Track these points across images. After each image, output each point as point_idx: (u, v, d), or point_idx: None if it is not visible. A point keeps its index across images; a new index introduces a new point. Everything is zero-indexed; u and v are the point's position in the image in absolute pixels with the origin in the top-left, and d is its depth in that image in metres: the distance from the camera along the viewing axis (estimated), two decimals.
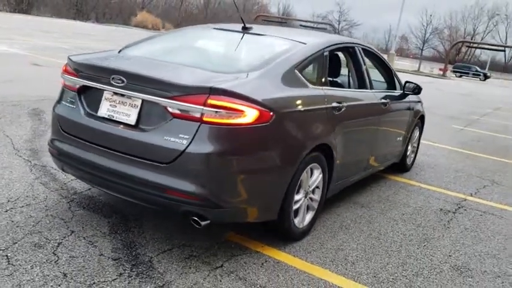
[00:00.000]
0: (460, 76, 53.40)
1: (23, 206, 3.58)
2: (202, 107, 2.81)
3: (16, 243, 3.03)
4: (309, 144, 3.38)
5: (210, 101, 2.80)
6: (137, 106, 3.03)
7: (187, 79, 2.92)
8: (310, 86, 3.54)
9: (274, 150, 3.10)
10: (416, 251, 3.75)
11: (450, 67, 53.79)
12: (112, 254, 3.06)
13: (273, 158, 3.11)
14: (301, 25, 55.28)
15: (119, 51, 3.74)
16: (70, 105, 3.34)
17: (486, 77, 53.78)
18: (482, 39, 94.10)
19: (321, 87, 3.68)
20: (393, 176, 5.86)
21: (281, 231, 3.46)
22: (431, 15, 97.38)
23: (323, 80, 3.77)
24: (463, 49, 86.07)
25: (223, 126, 2.84)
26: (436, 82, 33.41)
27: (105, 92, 3.16)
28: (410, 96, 5.49)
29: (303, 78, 3.47)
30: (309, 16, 77.19)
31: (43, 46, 17.33)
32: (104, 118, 3.15)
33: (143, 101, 3.00)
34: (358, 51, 4.50)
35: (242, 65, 3.43)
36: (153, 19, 47.04)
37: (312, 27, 57.54)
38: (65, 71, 3.42)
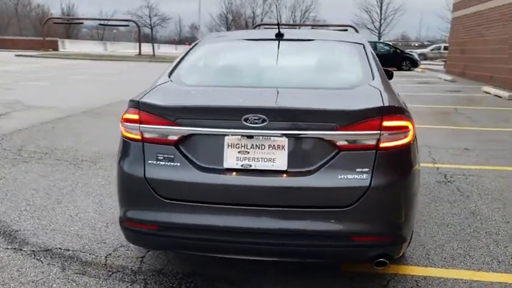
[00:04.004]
0: None
1: None
2: (378, 131, 2.42)
3: None
4: None
5: (385, 123, 2.44)
6: (283, 147, 2.45)
7: (351, 104, 2.48)
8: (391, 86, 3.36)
9: (418, 164, 2.87)
10: (499, 225, 3.95)
11: None
12: None
13: (419, 174, 2.87)
14: (100, 24, 52.30)
15: (176, 83, 2.95)
16: (167, 162, 2.53)
17: None
18: (261, 20, 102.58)
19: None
20: None
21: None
22: (229, 3, 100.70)
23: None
24: None
25: (397, 149, 2.50)
26: None
27: (226, 137, 2.47)
28: None
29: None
30: (97, 14, 72.57)
31: None
32: (234, 170, 2.48)
33: (289, 139, 2.45)
34: None
35: (345, 76, 3.06)
36: None
37: (108, 25, 54.85)
38: (143, 121, 2.56)
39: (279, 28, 3.50)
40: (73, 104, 10.60)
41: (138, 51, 42.24)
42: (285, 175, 2.45)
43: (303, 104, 2.49)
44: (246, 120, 2.41)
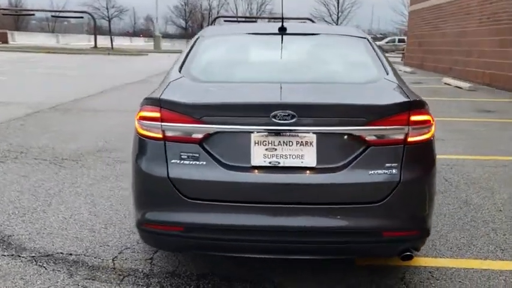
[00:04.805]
0: None
1: None
2: (406, 126, 2.43)
3: None
4: None
5: (413, 118, 2.45)
6: (312, 143, 2.41)
7: (378, 98, 2.47)
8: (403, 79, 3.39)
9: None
10: (493, 214, 4.07)
11: None
12: None
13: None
14: (52, 16, 50.36)
15: (190, 79, 2.84)
16: (191, 161, 2.44)
17: None
18: (218, 12, 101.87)
19: None
20: None
21: None
22: None
23: None
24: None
25: (423, 143, 2.52)
26: None
27: (252, 134, 2.41)
28: None
29: None
30: (47, 6, 69.76)
31: None
32: (262, 167, 2.42)
33: (318, 135, 2.41)
34: None
35: (361, 71, 3.05)
36: None
37: (62, 17, 52.98)
38: (165, 119, 2.45)
39: (282, 21, 3.44)
40: (37, 99, 10.15)
41: (93, 43, 40.91)
42: (314, 172, 2.42)
43: (332, 100, 2.47)
44: (274, 116, 2.35)
